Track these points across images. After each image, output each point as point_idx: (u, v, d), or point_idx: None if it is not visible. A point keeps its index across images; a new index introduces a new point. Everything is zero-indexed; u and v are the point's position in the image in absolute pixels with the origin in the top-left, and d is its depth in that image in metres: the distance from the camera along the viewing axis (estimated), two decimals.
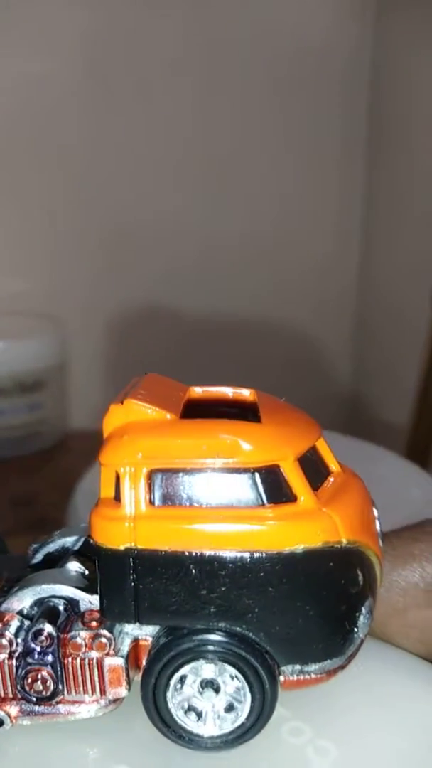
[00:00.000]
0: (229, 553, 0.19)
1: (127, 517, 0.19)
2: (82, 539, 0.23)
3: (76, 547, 0.23)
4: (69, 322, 0.60)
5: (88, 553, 0.23)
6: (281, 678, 0.20)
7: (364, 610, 0.20)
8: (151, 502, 0.19)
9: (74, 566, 0.22)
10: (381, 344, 0.58)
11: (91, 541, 0.20)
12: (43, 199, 0.60)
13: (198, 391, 0.22)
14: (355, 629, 0.20)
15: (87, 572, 0.22)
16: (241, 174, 0.61)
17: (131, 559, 0.19)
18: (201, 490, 0.19)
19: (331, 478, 0.20)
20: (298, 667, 0.20)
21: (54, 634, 0.20)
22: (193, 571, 0.19)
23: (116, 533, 0.19)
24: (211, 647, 0.19)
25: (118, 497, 0.20)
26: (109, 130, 0.60)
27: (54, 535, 0.24)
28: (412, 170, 0.53)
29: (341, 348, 0.64)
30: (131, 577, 0.19)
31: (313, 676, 0.20)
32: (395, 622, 0.24)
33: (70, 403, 0.61)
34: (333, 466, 0.21)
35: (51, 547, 0.23)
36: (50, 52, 0.57)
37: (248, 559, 0.19)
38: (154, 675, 0.19)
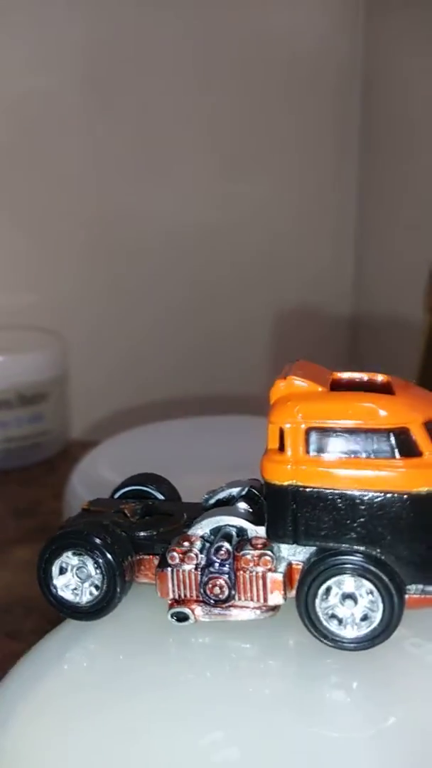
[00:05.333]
0: (368, 493, 0.25)
1: (290, 462, 0.25)
2: (246, 488, 0.29)
3: (242, 494, 0.29)
4: (70, 335, 0.61)
5: (252, 497, 0.29)
6: (406, 595, 0.25)
7: None
8: (308, 452, 0.25)
9: (242, 505, 0.28)
10: (376, 352, 0.58)
11: (260, 482, 0.26)
12: (44, 214, 0.61)
13: (341, 375, 0.28)
14: None
15: (251, 510, 0.28)
16: (238, 187, 0.62)
17: (292, 493, 0.25)
18: (346, 444, 0.25)
19: None
20: (420, 587, 0.25)
21: (231, 550, 0.26)
22: (340, 504, 0.25)
23: (282, 473, 0.25)
24: (351, 564, 0.25)
25: (281, 448, 0.26)
26: (111, 144, 0.60)
27: (223, 486, 0.30)
28: (405, 177, 0.53)
29: (337, 356, 0.66)
30: (292, 507, 0.25)
31: None
32: None
33: (71, 414, 0.63)
34: None
35: (221, 495, 0.30)
36: (49, 67, 0.58)
37: (383, 498, 0.24)
38: (307, 584, 0.25)
